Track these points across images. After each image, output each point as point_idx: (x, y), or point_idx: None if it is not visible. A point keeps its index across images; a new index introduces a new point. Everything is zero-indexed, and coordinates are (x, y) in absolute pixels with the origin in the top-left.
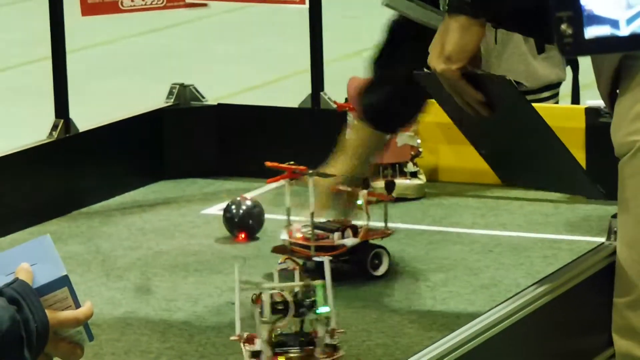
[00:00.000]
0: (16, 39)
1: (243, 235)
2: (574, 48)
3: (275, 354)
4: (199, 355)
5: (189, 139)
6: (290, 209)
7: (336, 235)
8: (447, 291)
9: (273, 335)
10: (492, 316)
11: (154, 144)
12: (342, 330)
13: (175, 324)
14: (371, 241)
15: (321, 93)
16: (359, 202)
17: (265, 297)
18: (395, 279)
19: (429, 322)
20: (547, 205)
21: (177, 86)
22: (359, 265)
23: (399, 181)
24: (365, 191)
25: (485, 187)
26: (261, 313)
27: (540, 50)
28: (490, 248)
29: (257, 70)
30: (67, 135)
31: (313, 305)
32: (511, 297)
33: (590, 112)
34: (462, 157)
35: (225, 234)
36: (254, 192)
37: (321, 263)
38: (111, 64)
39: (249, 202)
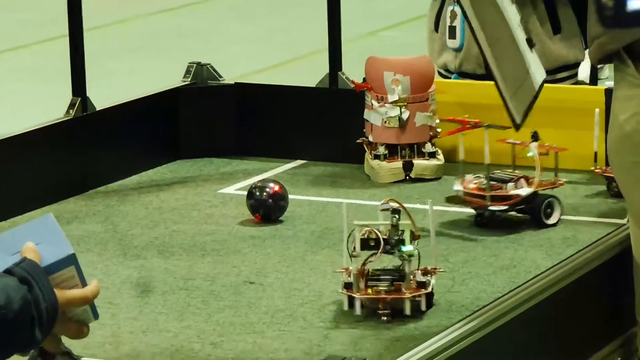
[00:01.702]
0: (30, 19)
1: (258, 217)
2: (615, 20)
3: (366, 287)
4: (217, 334)
5: (205, 118)
6: (463, 162)
7: (510, 185)
8: (466, 272)
9: (370, 270)
10: (511, 298)
11: (171, 123)
12: (442, 270)
13: (193, 303)
14: (542, 191)
15: (339, 73)
16: (530, 154)
17: (357, 234)
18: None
19: (448, 302)
20: (565, 186)
21: (194, 65)
22: (533, 214)
23: (417, 161)
24: (536, 143)
25: (503, 168)
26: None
27: (556, 30)
28: (510, 229)
29: (275, 49)
30: (85, 113)
31: (399, 244)
32: (531, 279)
33: (610, 93)
34: (480, 138)
35: (243, 214)
36: (271, 172)
37: (494, 212)
38: (128, 43)
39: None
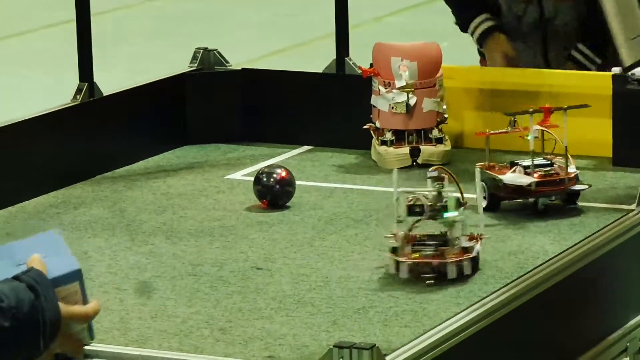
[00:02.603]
0: (36, 3)
1: (265, 202)
2: None
3: (412, 251)
4: (225, 320)
5: (212, 104)
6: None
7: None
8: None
9: (418, 235)
10: (520, 284)
11: (178, 108)
12: (487, 236)
13: (202, 288)
14: None
15: (346, 59)
16: (530, 137)
17: (402, 199)
18: None
19: (457, 288)
20: None
21: (201, 51)
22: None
23: (425, 147)
24: (537, 126)
25: (511, 154)
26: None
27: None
28: (518, 214)
29: (282, 35)
30: (92, 99)
31: (442, 210)
32: (539, 265)
33: (617, 79)
34: (487, 124)
35: (250, 199)
36: (278, 158)
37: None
38: (135, 29)
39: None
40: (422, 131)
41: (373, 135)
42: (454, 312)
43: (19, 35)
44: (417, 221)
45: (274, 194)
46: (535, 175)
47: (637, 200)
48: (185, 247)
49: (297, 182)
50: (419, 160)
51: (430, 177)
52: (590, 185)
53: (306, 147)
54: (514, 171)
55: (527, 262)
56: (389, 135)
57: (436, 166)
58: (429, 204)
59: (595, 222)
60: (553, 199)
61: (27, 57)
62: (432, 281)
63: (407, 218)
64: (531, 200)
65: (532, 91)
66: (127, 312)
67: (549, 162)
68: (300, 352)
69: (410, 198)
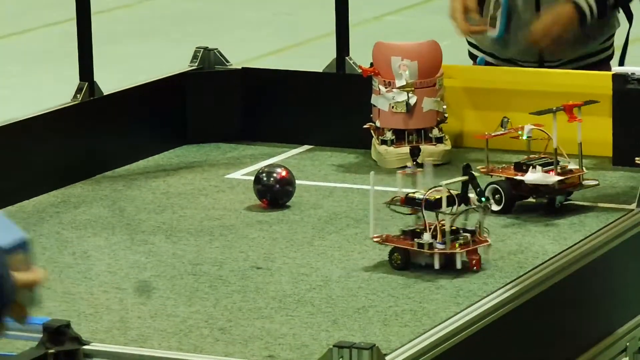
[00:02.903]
0: (35, 1)
1: (265, 202)
2: None
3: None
4: (225, 320)
5: (212, 103)
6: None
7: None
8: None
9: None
10: (520, 284)
11: (178, 108)
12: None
13: (201, 288)
14: None
15: (346, 58)
16: (525, 137)
17: (444, 194)
18: None
19: (456, 288)
20: None
21: (202, 50)
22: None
23: (424, 147)
24: (530, 125)
25: (510, 153)
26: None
27: (602, 14)
28: (517, 214)
29: (282, 34)
30: (92, 98)
31: (482, 194)
32: (539, 265)
33: (618, 78)
34: (487, 123)
35: (250, 199)
36: (278, 157)
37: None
38: (135, 28)
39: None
40: (422, 130)
41: (373, 135)
42: (453, 311)
43: (19, 34)
44: (465, 211)
45: (274, 193)
46: (555, 173)
47: (637, 200)
48: (185, 246)
49: (297, 182)
50: (419, 160)
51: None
52: (598, 181)
53: (306, 147)
54: (534, 171)
55: (527, 262)
56: (389, 135)
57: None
58: (458, 194)
59: (595, 221)
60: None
61: (27, 56)
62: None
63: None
64: (545, 199)
65: (532, 90)
66: (127, 311)
67: (552, 160)
68: (300, 351)
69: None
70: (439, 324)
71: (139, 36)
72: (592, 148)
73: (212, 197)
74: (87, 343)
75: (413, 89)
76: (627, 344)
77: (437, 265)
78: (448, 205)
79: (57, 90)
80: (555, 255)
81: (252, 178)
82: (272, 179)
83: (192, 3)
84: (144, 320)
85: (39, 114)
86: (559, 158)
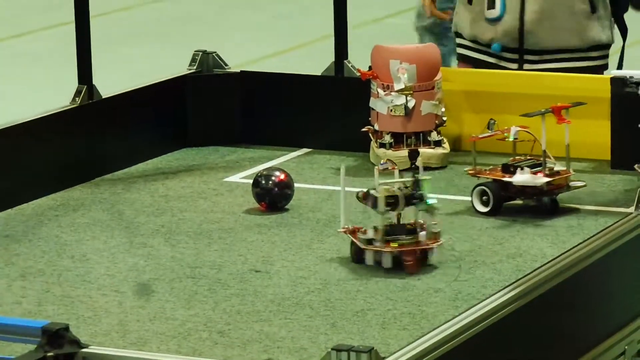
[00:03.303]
0: (35, 4)
1: (264, 205)
2: None
3: (387, 241)
4: (224, 323)
5: (211, 107)
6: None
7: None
8: (472, 260)
9: (382, 227)
10: (518, 287)
11: (177, 111)
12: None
13: (200, 291)
14: None
15: (345, 61)
16: (511, 138)
17: (380, 192)
18: None
19: (455, 291)
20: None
21: (200, 53)
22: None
23: (423, 150)
24: (516, 127)
25: (508, 156)
26: (374, 207)
27: (594, 9)
28: (515, 218)
29: (280, 37)
30: (90, 101)
31: (422, 198)
32: (537, 268)
33: (616, 81)
34: (485, 126)
35: (249, 202)
36: (277, 161)
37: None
38: (134, 31)
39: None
40: (421, 134)
41: (372, 138)
42: (452, 314)
43: (18, 37)
44: (391, 210)
45: (272, 197)
46: (543, 175)
47: (635, 203)
48: (184, 249)
49: (296, 185)
50: (418, 163)
51: (381, 170)
52: (585, 183)
53: (305, 150)
54: (522, 173)
55: (526, 265)
56: (387, 138)
57: (386, 158)
58: (405, 193)
59: (593, 224)
60: (554, 198)
61: (26, 59)
62: (414, 269)
63: (386, 210)
64: (532, 200)
65: (531, 93)
66: (126, 314)
67: (539, 162)
68: (299, 354)
69: (386, 190)
70: (438, 327)
71: (138, 39)
72: (590, 151)
73: (211, 200)
74: (86, 346)
75: (412, 92)
76: (626, 347)
77: (385, 264)
78: (389, 205)
79: (56, 93)
80: (554, 259)
81: (251, 181)
82: (270, 182)
83: (190, 6)
84: (143, 324)
85: (38, 117)
86: (549, 160)
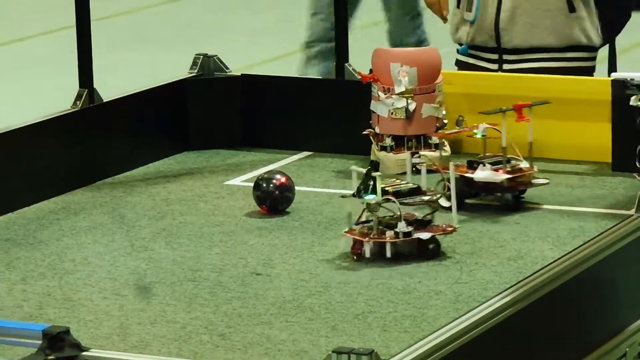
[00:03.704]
0: (35, 8)
1: (265, 208)
2: None
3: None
4: (225, 326)
5: (212, 110)
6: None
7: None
8: (473, 263)
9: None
10: (519, 289)
11: (178, 114)
12: (458, 227)
13: (201, 294)
14: None
15: (346, 64)
16: (479, 135)
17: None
18: None
19: (456, 293)
20: (572, 177)
21: (201, 57)
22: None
23: (424, 152)
24: (485, 124)
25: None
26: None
27: (572, 8)
28: (516, 220)
29: (281, 40)
30: (92, 105)
31: (361, 191)
32: (538, 271)
33: (617, 84)
34: (487, 129)
35: (249, 205)
36: (277, 164)
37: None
38: (134, 34)
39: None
40: (422, 137)
41: (372, 141)
42: (452, 317)
43: (20, 41)
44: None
45: (273, 200)
46: (504, 171)
47: (636, 206)
48: (185, 252)
49: (297, 188)
50: (419, 166)
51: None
52: (548, 181)
53: (306, 153)
54: (483, 169)
55: (527, 268)
56: (388, 141)
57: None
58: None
59: (594, 227)
60: (517, 194)
61: (27, 63)
62: (355, 257)
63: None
64: (496, 196)
65: (532, 96)
66: (127, 317)
67: (506, 159)
68: (300, 357)
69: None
70: (438, 329)
71: (139, 43)
72: (591, 154)
73: (212, 204)
74: (87, 349)
75: (412, 95)
76: (627, 349)
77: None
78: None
79: (57, 97)
80: (555, 261)
81: (252, 184)
82: (271, 185)
83: (191, 10)
84: (144, 327)
85: (39, 120)
86: (512, 157)
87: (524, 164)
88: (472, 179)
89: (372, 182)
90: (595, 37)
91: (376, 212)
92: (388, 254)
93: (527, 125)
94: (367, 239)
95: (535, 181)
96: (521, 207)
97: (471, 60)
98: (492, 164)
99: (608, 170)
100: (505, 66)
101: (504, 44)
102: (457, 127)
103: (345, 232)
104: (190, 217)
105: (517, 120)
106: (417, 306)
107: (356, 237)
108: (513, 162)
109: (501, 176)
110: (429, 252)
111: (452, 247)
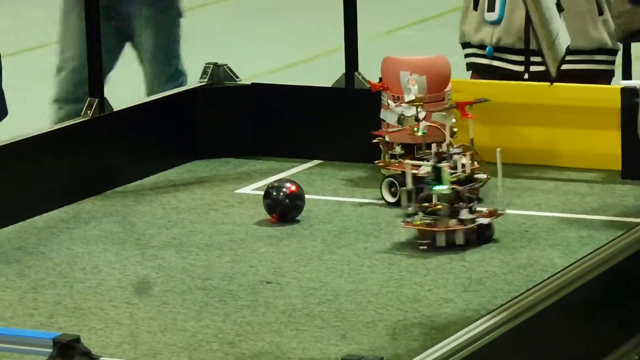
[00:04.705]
0: (48, 18)
1: (275, 216)
2: None
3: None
4: (234, 334)
5: (222, 119)
6: None
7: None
8: (483, 271)
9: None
10: (528, 297)
11: (188, 123)
12: (503, 212)
13: (211, 302)
14: None
15: (355, 73)
16: (420, 133)
17: (408, 169)
18: (431, 259)
19: (465, 302)
20: (582, 185)
21: (211, 66)
22: None
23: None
24: (424, 122)
25: (520, 167)
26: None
27: (601, 11)
28: (526, 228)
29: (291, 49)
30: (102, 114)
31: (429, 183)
32: (548, 279)
33: (626, 92)
34: (496, 137)
35: (260, 214)
36: (287, 172)
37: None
38: None
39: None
40: (431, 145)
41: (382, 149)
42: (462, 325)
43: (31, 50)
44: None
45: (283, 208)
46: (446, 167)
47: None
48: (195, 261)
49: (307, 196)
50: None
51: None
52: (489, 176)
53: (316, 161)
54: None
55: (536, 275)
56: (398, 149)
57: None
58: (426, 175)
59: (604, 235)
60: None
61: (37, 73)
62: (425, 247)
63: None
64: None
65: (541, 104)
66: (137, 326)
67: (449, 155)
68: None
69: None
70: (448, 337)
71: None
72: (601, 161)
73: (222, 212)
74: (97, 358)
75: (422, 103)
76: (636, 357)
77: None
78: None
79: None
80: (564, 269)
81: (262, 193)
82: (281, 193)
83: (201, 19)
84: (154, 335)
85: (50, 129)
86: (455, 152)
87: (466, 160)
88: (416, 174)
89: (438, 173)
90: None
91: (447, 201)
92: (461, 241)
93: (524, 130)
94: (438, 228)
95: (476, 176)
96: (461, 200)
97: (495, 63)
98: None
99: (618, 178)
100: (532, 68)
101: (533, 46)
102: (399, 126)
103: (404, 223)
104: (200, 225)
105: (462, 117)
106: (426, 314)
107: (424, 228)
108: (455, 157)
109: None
110: (486, 236)
111: (461, 255)
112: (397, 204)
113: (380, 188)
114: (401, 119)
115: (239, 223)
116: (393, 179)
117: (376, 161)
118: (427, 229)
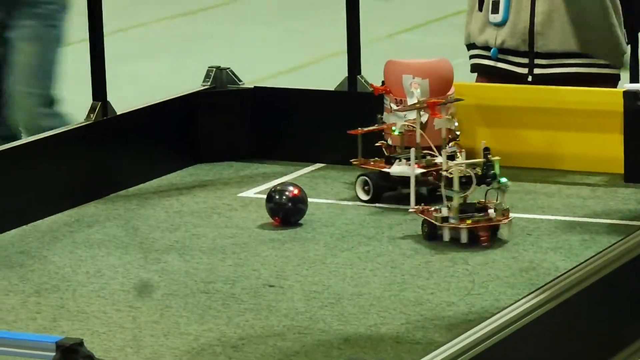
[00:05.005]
0: None
1: (277, 220)
2: None
3: (461, 219)
4: (237, 337)
5: (225, 122)
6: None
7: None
8: (486, 274)
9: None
10: (531, 300)
11: (191, 127)
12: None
13: (214, 306)
14: None
15: (358, 76)
16: (397, 132)
17: (454, 173)
18: (434, 262)
19: (468, 305)
20: (585, 188)
21: (214, 69)
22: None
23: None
24: (402, 121)
25: (523, 170)
26: (448, 186)
27: (608, 15)
28: (529, 231)
29: (294, 52)
30: (105, 118)
31: (495, 177)
32: (551, 282)
33: (629, 95)
34: (499, 140)
35: (262, 217)
36: (290, 176)
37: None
38: (147, 47)
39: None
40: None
41: (385, 153)
42: (465, 328)
43: None
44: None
45: (286, 212)
46: (419, 166)
47: None
48: (198, 264)
49: (310, 200)
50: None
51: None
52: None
53: (318, 165)
54: (399, 164)
55: (539, 279)
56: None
57: (453, 142)
58: (477, 173)
59: (606, 238)
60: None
61: None
62: (487, 243)
63: (459, 190)
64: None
65: (543, 107)
66: (140, 329)
67: (422, 154)
68: None
69: (460, 170)
70: (451, 340)
71: (152, 55)
72: (603, 165)
73: (225, 216)
74: None
75: (425, 106)
76: None
77: (463, 240)
78: (464, 185)
79: (71, 110)
80: (567, 272)
81: (265, 196)
82: (284, 197)
83: (204, 22)
84: (157, 339)
85: (53, 133)
86: (428, 152)
87: (439, 159)
88: (388, 173)
89: (492, 166)
90: (624, 43)
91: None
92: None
93: (527, 133)
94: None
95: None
96: (437, 199)
97: (499, 64)
98: (408, 159)
99: (620, 181)
100: (536, 70)
101: (537, 48)
102: (376, 125)
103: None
104: (203, 229)
105: (431, 116)
106: (429, 318)
107: (484, 224)
108: (428, 157)
109: (415, 171)
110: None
111: (464, 258)
112: (370, 202)
113: (354, 185)
114: (378, 119)
115: (242, 226)
116: (366, 177)
117: (352, 160)
118: (486, 224)
